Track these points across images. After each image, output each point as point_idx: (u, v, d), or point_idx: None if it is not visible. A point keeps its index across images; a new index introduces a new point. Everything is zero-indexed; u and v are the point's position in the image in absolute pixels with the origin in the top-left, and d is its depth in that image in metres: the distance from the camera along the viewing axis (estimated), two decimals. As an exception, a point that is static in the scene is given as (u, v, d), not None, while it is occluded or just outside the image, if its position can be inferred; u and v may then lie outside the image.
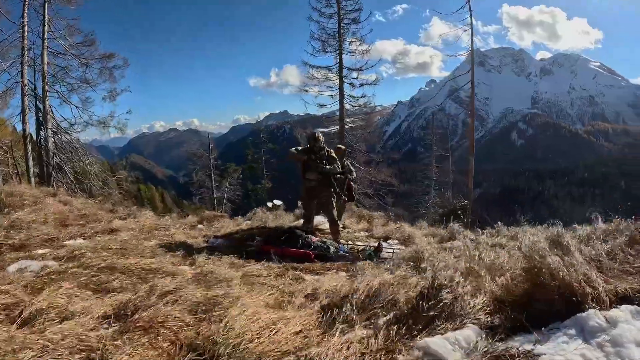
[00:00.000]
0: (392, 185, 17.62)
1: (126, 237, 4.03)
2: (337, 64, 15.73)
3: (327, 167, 4.99)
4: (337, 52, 15.63)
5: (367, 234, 6.23)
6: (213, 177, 21.86)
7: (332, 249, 4.44)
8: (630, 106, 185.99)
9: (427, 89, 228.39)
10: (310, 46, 15.94)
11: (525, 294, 1.70)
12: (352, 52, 15.63)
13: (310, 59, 16.08)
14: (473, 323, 1.59)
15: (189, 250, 3.89)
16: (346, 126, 15.87)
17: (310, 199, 5.27)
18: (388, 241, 5.48)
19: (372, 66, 15.87)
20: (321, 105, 16.19)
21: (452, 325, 1.55)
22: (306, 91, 16.19)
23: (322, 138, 5.10)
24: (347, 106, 15.92)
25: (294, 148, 5.26)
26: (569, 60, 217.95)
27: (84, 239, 3.96)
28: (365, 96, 15.80)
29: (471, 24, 15.60)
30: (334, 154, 5.15)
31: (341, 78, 15.67)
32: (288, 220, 7.16)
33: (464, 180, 20.01)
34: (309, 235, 4.79)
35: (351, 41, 15.60)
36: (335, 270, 3.75)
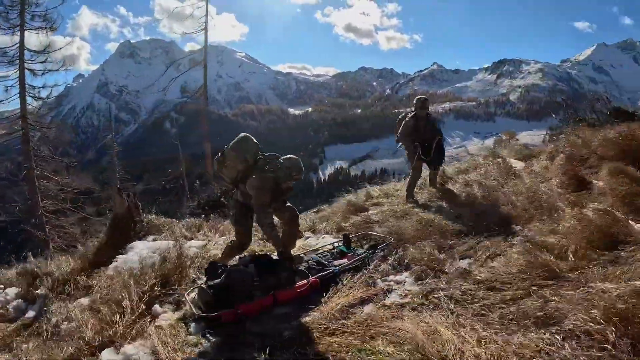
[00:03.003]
0: (93, 193, 14.77)
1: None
2: (18, 44, 11.60)
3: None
4: (19, 27, 11.48)
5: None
6: None
7: (326, 262, 3.27)
8: (271, 88, 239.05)
9: (74, 84, 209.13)
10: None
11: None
12: (36, 29, 11.77)
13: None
14: None
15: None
16: (30, 126, 11.83)
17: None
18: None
19: (60, 48, 12.54)
20: (-11, 102, 11.73)
21: None
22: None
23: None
24: (29, 99, 11.86)
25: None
26: (216, 52, 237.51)
27: None
28: (55, 85, 12.43)
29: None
30: None
31: (22, 62, 11.68)
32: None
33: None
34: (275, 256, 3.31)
35: (33, 15, 11.71)
36: (381, 291, 2.76)
